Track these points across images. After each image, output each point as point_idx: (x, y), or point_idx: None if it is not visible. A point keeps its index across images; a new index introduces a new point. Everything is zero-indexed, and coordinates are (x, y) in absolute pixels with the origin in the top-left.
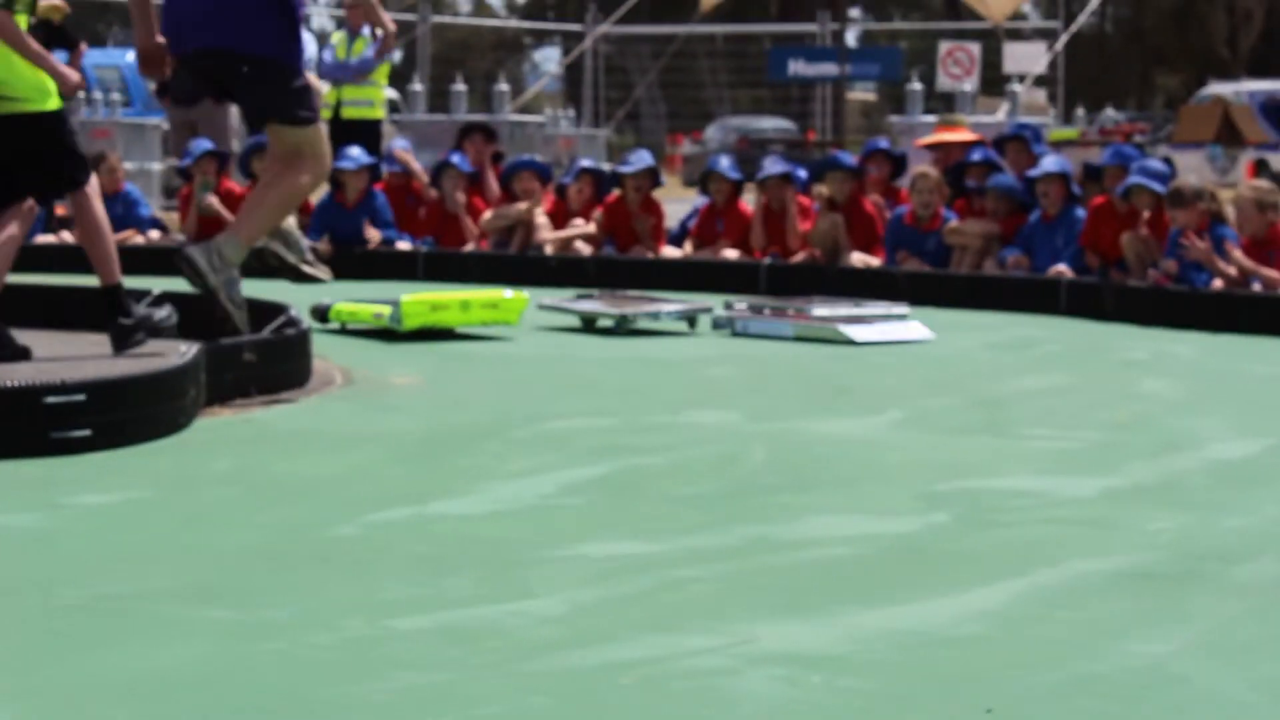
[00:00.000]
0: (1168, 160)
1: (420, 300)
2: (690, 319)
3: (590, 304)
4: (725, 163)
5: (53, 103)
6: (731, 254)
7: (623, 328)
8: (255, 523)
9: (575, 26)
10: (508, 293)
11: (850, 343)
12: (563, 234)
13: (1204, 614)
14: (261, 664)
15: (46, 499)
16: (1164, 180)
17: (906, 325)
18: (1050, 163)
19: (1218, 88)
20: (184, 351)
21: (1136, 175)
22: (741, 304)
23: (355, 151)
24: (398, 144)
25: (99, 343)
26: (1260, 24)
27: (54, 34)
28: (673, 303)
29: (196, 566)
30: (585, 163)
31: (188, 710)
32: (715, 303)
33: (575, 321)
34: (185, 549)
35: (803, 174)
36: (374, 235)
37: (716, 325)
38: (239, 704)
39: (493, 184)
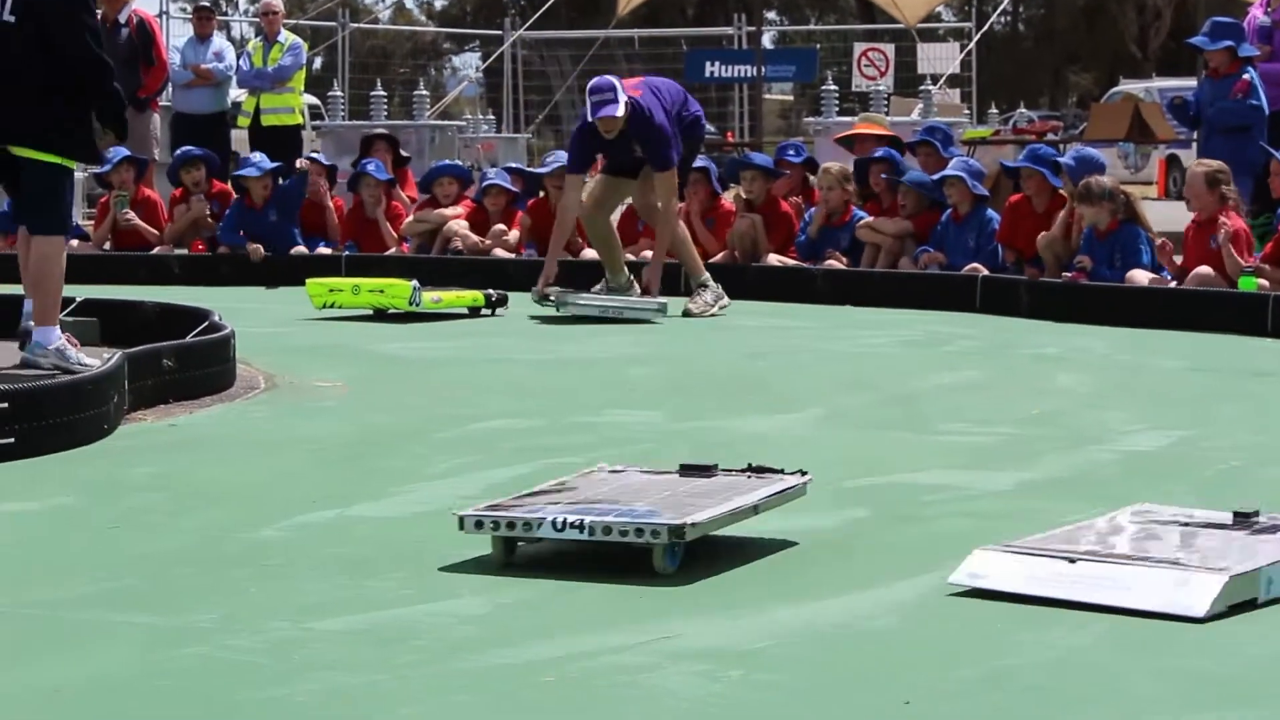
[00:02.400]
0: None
1: (320, 283)
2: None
3: None
4: None
5: None
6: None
7: None
8: (178, 528)
9: (494, 32)
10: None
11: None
12: (481, 239)
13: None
14: (185, 668)
15: None
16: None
17: None
18: (951, 166)
19: (1128, 86)
20: (106, 358)
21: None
22: None
23: (257, 157)
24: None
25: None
26: (1169, 23)
27: None
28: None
29: (120, 573)
30: (492, 176)
31: (112, 716)
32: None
33: (506, 322)
34: (109, 555)
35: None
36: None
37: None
38: (163, 708)
39: (400, 191)
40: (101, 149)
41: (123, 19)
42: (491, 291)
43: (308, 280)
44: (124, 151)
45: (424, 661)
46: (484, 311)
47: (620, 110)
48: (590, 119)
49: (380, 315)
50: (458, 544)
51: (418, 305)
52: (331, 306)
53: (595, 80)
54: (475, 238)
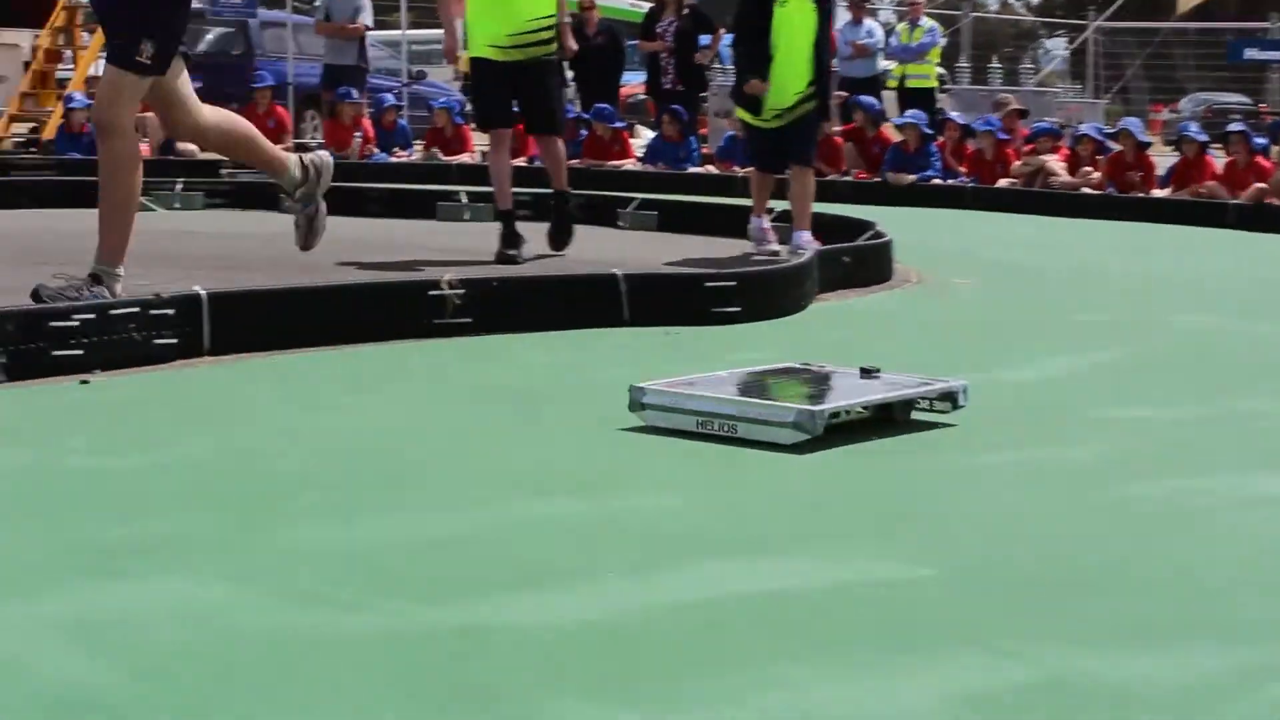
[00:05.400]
0: None
1: None
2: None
3: None
4: (1194, 127)
5: None
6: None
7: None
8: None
9: (1079, 21)
10: None
11: None
12: (1071, 179)
13: None
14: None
15: (703, 358)
16: None
17: None
18: None
19: None
20: (803, 254)
21: None
22: None
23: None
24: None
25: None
26: None
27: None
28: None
29: None
30: (1083, 129)
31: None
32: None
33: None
34: None
35: (1261, 141)
36: None
37: None
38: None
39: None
40: None
41: None
42: None
43: None
44: None
45: (1062, 492)
46: None
47: None
48: None
49: None
50: (1076, 406)
51: None
52: None
53: None
54: (1068, 176)
